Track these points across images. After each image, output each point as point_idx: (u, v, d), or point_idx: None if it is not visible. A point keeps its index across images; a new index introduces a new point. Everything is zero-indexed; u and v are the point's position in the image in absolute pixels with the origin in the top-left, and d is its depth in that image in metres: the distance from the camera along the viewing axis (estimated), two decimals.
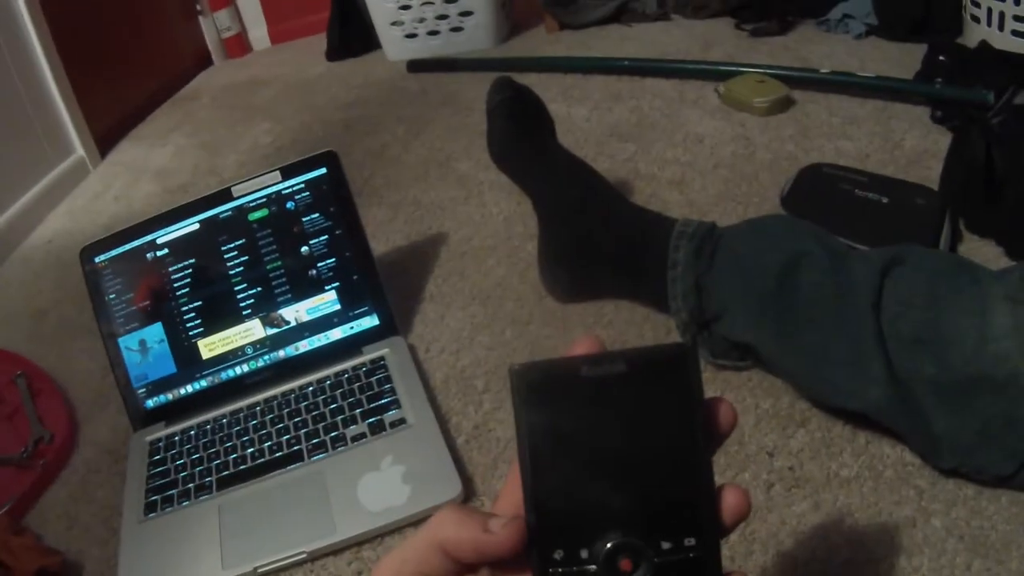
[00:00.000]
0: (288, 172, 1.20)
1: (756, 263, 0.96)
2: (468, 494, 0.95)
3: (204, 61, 3.12)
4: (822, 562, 0.78)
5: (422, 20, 2.38)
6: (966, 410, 0.79)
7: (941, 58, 1.61)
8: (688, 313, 1.02)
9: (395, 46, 2.46)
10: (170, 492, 1.05)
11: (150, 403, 1.18)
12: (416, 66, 2.31)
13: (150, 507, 1.04)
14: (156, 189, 2.05)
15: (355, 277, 1.18)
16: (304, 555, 0.91)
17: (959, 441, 0.80)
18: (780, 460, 0.89)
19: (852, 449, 0.89)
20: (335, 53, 2.64)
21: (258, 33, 3.16)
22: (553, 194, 1.19)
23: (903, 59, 1.71)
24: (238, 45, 3.14)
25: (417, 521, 0.92)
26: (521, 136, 1.24)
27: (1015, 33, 1.58)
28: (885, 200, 1.20)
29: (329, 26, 2.65)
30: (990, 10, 1.62)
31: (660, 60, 1.93)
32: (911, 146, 1.41)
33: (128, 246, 1.21)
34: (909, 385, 0.82)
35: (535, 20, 2.50)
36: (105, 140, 2.50)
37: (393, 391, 1.07)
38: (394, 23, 2.41)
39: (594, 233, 1.13)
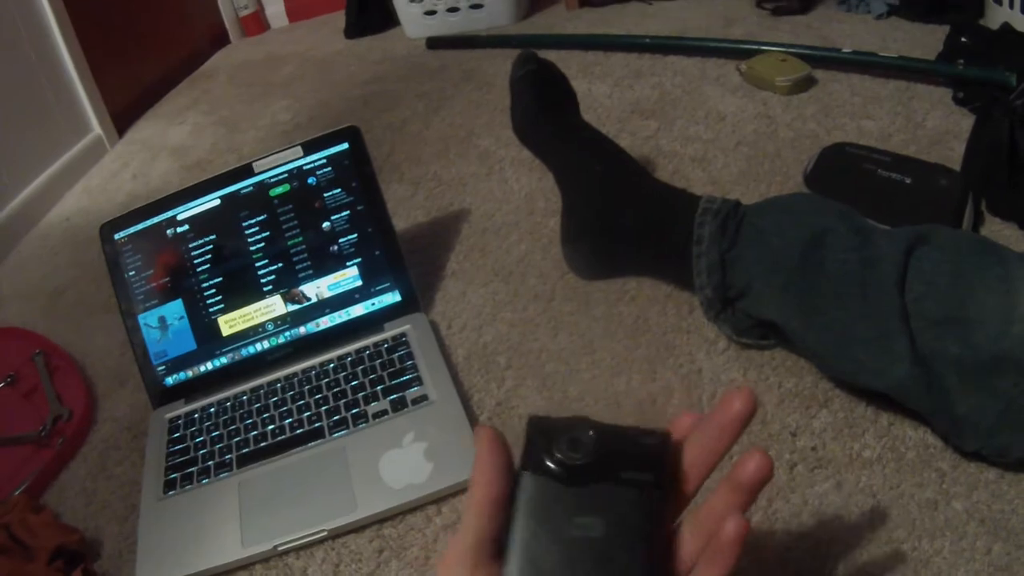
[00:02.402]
0: (310, 147, 1.19)
1: (780, 239, 0.94)
2: None
3: (221, 39, 3.11)
4: (844, 542, 0.77)
5: None
6: (989, 391, 0.78)
7: (963, 39, 1.58)
8: (712, 289, 1.01)
9: (414, 23, 2.45)
10: (190, 470, 1.04)
11: (170, 380, 1.17)
12: (435, 43, 2.30)
13: (169, 484, 1.03)
14: (174, 166, 2.04)
15: (376, 253, 1.17)
16: (325, 533, 0.91)
17: (981, 422, 0.79)
18: (803, 440, 0.88)
19: (875, 430, 0.88)
20: (353, 30, 2.63)
21: (275, 10, 3.15)
22: (576, 169, 1.18)
23: (924, 39, 1.69)
24: (255, 23, 3.14)
25: (439, 499, 0.92)
26: (545, 110, 1.23)
27: None
28: (908, 180, 1.18)
29: (347, 3, 2.64)
30: None
31: (682, 38, 1.91)
32: (933, 127, 1.39)
33: (148, 223, 1.20)
34: (932, 365, 0.81)
35: None
36: (122, 118, 2.50)
37: (415, 367, 1.06)
38: (413, 0, 2.40)
39: (617, 209, 1.12)
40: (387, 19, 2.58)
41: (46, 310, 1.59)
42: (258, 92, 2.39)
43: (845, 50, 1.66)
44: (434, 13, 2.39)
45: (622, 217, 1.11)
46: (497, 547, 0.47)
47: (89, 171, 2.27)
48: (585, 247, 1.18)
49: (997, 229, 1.14)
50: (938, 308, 0.81)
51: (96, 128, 2.38)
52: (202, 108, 2.42)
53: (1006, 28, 1.55)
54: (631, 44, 1.97)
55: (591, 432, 0.47)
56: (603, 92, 1.77)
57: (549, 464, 0.46)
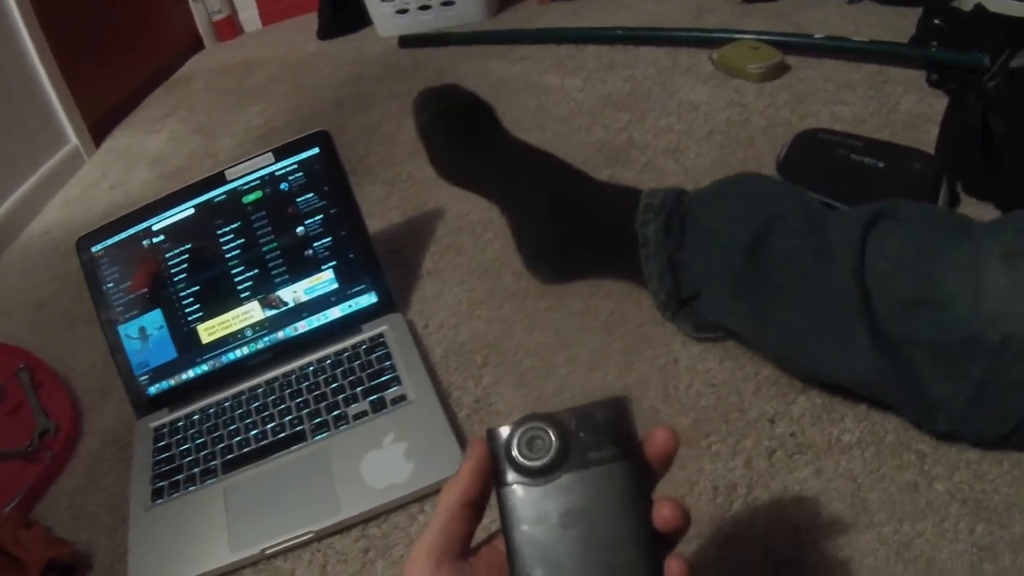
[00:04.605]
0: (281, 153, 1.20)
1: (726, 238, 0.92)
2: None
3: (195, 45, 3.10)
4: (825, 528, 0.78)
5: None
6: (961, 374, 0.76)
7: (936, 22, 1.58)
8: (665, 294, 1.01)
9: (386, 22, 2.44)
10: (176, 478, 1.05)
11: (152, 390, 1.18)
12: (408, 41, 2.29)
13: (156, 493, 1.04)
14: (152, 175, 2.04)
15: (352, 255, 1.18)
16: (311, 535, 0.92)
17: (954, 405, 0.78)
18: (781, 426, 0.89)
19: (853, 415, 0.88)
20: (326, 31, 2.62)
21: (249, 15, 3.14)
22: (514, 196, 1.16)
23: (897, 23, 1.69)
24: (229, 27, 3.12)
25: (420, 497, 0.93)
26: (461, 148, 1.20)
27: None
28: (881, 165, 1.19)
29: (320, 4, 2.63)
30: None
31: (653, 28, 1.91)
32: (907, 110, 1.40)
33: (124, 234, 1.20)
34: (901, 350, 0.79)
35: None
36: (99, 128, 2.49)
37: (393, 368, 1.07)
38: None
39: (566, 227, 1.10)
40: (360, 19, 2.57)
41: (29, 324, 1.59)
42: (233, 98, 2.39)
43: (817, 36, 1.66)
44: (406, 12, 2.39)
45: (572, 234, 1.10)
46: (463, 548, 0.48)
47: (68, 182, 2.27)
48: (543, 267, 1.18)
49: (974, 210, 1.13)
50: (905, 288, 0.79)
51: (73, 139, 2.37)
52: (178, 116, 2.42)
53: (979, 10, 1.55)
54: (603, 36, 1.97)
55: (545, 428, 0.47)
56: (575, 86, 1.77)
57: (515, 474, 0.47)
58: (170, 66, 2.94)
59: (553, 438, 0.47)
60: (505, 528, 0.47)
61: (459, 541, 0.48)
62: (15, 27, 2.20)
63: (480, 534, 0.52)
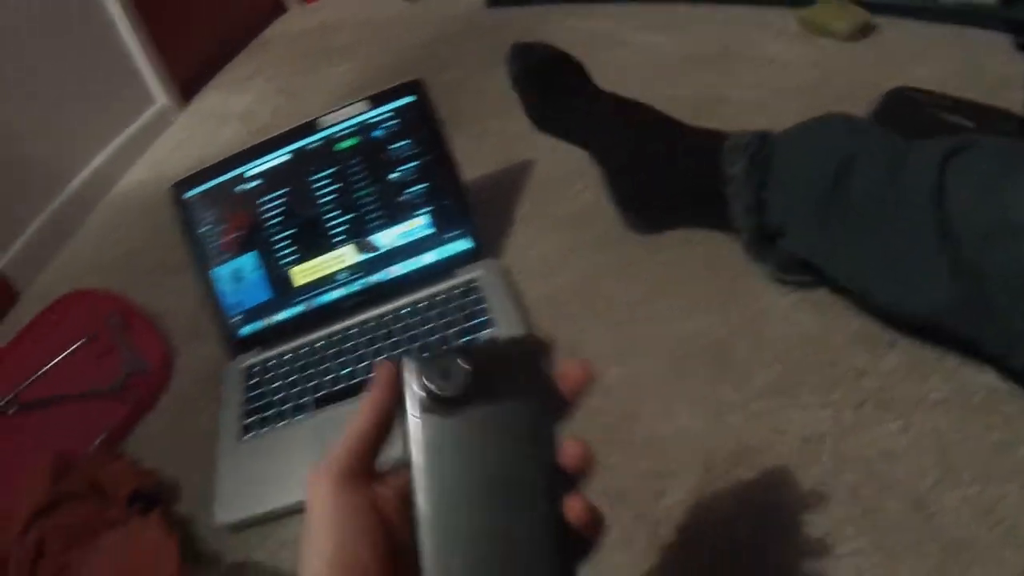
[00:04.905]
0: (376, 101, 1.21)
1: (810, 171, 0.92)
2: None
3: (278, 8, 3.13)
4: (910, 483, 0.76)
5: None
6: None
7: None
8: (750, 231, 1.01)
9: None
10: (267, 413, 1.08)
11: (245, 330, 1.21)
12: (496, 1, 2.29)
13: (247, 428, 1.07)
14: (239, 133, 2.08)
15: (446, 202, 1.19)
16: None
17: None
18: (870, 381, 0.87)
19: (942, 373, 0.86)
20: None
21: None
22: (607, 145, 1.16)
23: None
24: None
25: None
26: (556, 98, 1.20)
27: None
28: (971, 125, 1.16)
29: None
30: None
31: None
32: (993, 73, 1.35)
33: (218, 180, 1.23)
34: (980, 281, 0.76)
35: None
36: (186, 88, 2.54)
37: (487, 311, 1.08)
38: None
39: (656, 173, 1.11)
40: None
41: (121, 275, 1.64)
42: (318, 58, 2.41)
43: None
44: None
45: (663, 180, 1.10)
46: (367, 469, 0.48)
47: (157, 140, 2.32)
48: (636, 216, 1.19)
49: None
50: (984, 218, 0.76)
51: (161, 98, 2.42)
52: (264, 76, 2.45)
53: None
54: None
55: (459, 360, 0.47)
56: (661, 42, 1.76)
57: (425, 402, 0.47)
58: (254, 28, 2.98)
59: (466, 369, 0.47)
60: (410, 456, 0.46)
61: (364, 461, 0.48)
62: None
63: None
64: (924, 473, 0.77)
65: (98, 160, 2.14)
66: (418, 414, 0.47)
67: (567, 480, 0.46)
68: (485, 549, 0.44)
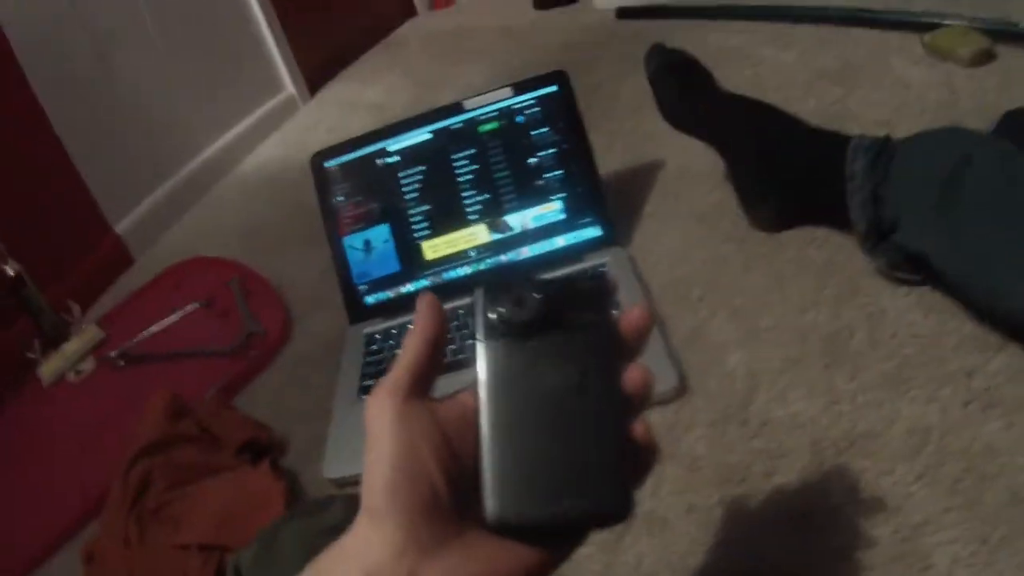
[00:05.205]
0: (520, 88, 1.25)
1: (929, 168, 0.95)
2: (683, 388, 0.97)
3: (409, 11, 3.21)
4: (1009, 478, 0.77)
5: None
6: None
7: None
8: (866, 223, 1.02)
9: None
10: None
11: (370, 299, 1.25)
12: (626, 13, 2.33)
13: (364, 389, 1.11)
14: (370, 121, 2.13)
15: (580, 189, 1.22)
16: None
17: None
18: (977, 381, 0.88)
19: None
20: (544, 2, 2.67)
21: None
22: (734, 142, 1.20)
23: None
24: None
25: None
26: (688, 94, 1.25)
27: None
28: None
29: None
30: None
31: (866, 10, 1.90)
32: None
33: (359, 152, 1.28)
34: None
35: None
36: (314, 79, 2.62)
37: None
38: None
39: (780, 170, 1.14)
40: None
41: (245, 245, 1.70)
42: (452, 58, 2.47)
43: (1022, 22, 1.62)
44: None
45: (784, 172, 1.14)
46: (427, 387, 0.49)
47: (283, 125, 2.40)
48: (761, 209, 1.21)
49: None
50: None
51: (289, 87, 2.51)
52: (396, 71, 2.52)
53: None
54: (816, 15, 1.96)
55: (534, 293, 0.49)
56: (790, 59, 1.77)
57: (500, 325, 0.48)
58: (383, 28, 3.06)
59: (538, 298, 0.48)
60: (476, 377, 0.47)
61: (424, 380, 0.49)
62: None
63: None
64: (1022, 470, 0.77)
65: (225, 138, 2.23)
66: (487, 338, 0.48)
67: (629, 404, 0.48)
68: (548, 464, 0.45)
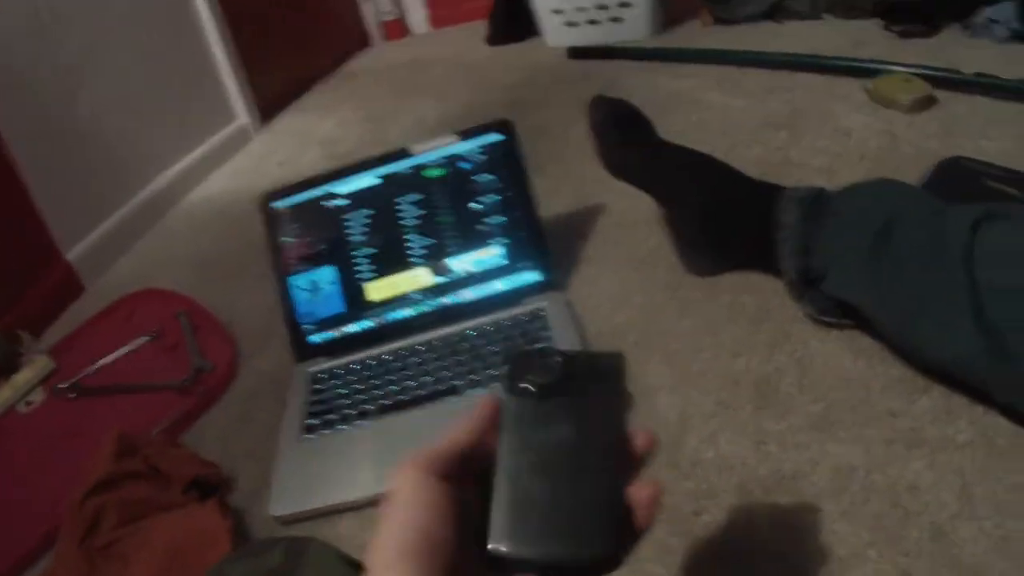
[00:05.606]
0: (466, 135, 1.29)
1: (858, 222, 0.99)
2: None
3: (363, 42, 3.23)
4: (931, 515, 0.81)
5: (583, 9, 2.46)
6: None
7: None
8: (796, 272, 1.07)
9: (556, 33, 2.55)
10: (330, 416, 1.13)
11: (315, 338, 1.27)
12: (577, 53, 2.38)
13: (309, 428, 1.12)
14: (321, 156, 2.16)
15: (521, 235, 1.25)
16: None
17: None
18: (902, 422, 0.92)
19: (969, 416, 0.91)
20: (497, 38, 2.72)
21: (417, 17, 3.28)
22: (671, 192, 1.24)
23: None
24: (397, 28, 3.26)
25: None
26: (628, 145, 1.27)
27: None
28: (1022, 196, 1.20)
29: (493, 11, 2.74)
30: None
31: (812, 55, 1.95)
32: None
33: (307, 194, 1.31)
34: (1001, 335, 0.83)
35: (690, 14, 2.55)
36: (267, 110, 2.63)
37: (550, 338, 1.13)
38: (556, 11, 2.50)
39: (715, 219, 1.18)
40: (528, 28, 2.67)
41: (193, 278, 1.71)
42: (404, 92, 2.50)
43: (967, 72, 1.67)
44: (576, 24, 2.49)
45: (719, 221, 1.18)
46: (452, 470, 0.52)
47: (234, 156, 2.41)
48: (696, 256, 1.26)
49: None
50: (1007, 276, 0.83)
51: (242, 116, 2.52)
52: (349, 104, 2.54)
53: None
54: (764, 60, 2.02)
55: (558, 358, 0.56)
56: (737, 105, 1.82)
57: (524, 386, 0.55)
58: (338, 60, 3.08)
59: (561, 366, 0.55)
60: (502, 428, 0.53)
61: (451, 465, 0.52)
62: (199, 14, 2.38)
63: None
64: (944, 506, 0.81)
65: (176, 168, 2.23)
66: (517, 394, 0.55)
67: (634, 466, 0.54)
68: (547, 508, 0.50)
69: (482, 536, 0.49)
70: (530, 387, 0.54)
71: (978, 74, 1.66)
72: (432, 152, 1.28)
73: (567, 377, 0.55)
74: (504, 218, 1.25)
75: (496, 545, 0.49)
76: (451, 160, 1.27)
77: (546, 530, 0.49)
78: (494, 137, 1.28)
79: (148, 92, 2.16)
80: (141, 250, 2.00)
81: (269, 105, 2.66)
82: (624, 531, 0.50)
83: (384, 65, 2.90)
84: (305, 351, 1.27)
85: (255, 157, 2.35)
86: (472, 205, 1.26)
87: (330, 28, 3.07)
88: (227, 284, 1.63)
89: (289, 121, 2.58)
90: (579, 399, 0.54)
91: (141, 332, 1.51)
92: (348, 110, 2.48)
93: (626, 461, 0.53)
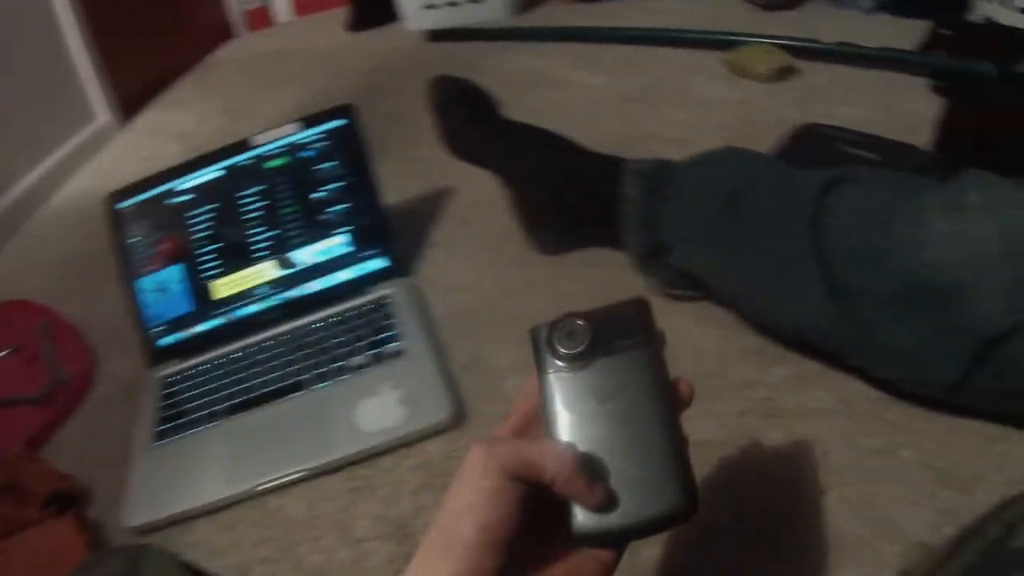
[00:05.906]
0: (308, 122, 1.26)
1: (704, 193, 1.00)
2: (459, 417, 1.00)
3: (227, 33, 3.16)
4: (790, 484, 0.82)
5: None
6: (908, 319, 0.80)
7: (945, 32, 1.63)
8: (641, 246, 1.08)
9: (416, 16, 2.52)
10: (181, 420, 1.10)
11: (165, 341, 1.24)
12: (436, 35, 2.36)
13: (161, 434, 1.09)
14: (180, 151, 2.10)
15: (366, 222, 1.24)
16: (303, 473, 0.97)
17: (903, 349, 0.82)
18: (758, 392, 0.94)
19: (825, 383, 0.93)
20: (357, 23, 2.68)
21: (281, 6, 3.21)
22: (513, 170, 1.23)
23: (910, 34, 1.73)
24: (261, 18, 3.19)
25: (410, 442, 0.98)
26: (469, 124, 1.27)
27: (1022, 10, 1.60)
28: (877, 159, 1.23)
29: None
30: None
31: (671, 30, 1.97)
32: (910, 114, 1.43)
33: (150, 193, 1.27)
34: (851, 297, 0.83)
35: None
36: (129, 106, 2.55)
37: (394, 325, 1.12)
38: None
39: (558, 195, 1.18)
40: (389, 12, 2.64)
41: (56, 282, 1.65)
42: (263, 83, 2.45)
43: (827, 41, 1.71)
44: (435, 7, 2.47)
45: (564, 199, 1.17)
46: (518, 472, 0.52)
47: (97, 155, 2.33)
48: (541, 233, 1.26)
49: None
50: (855, 239, 0.84)
51: (102, 115, 2.44)
52: (208, 97, 2.48)
53: (989, 22, 1.61)
54: (623, 37, 2.04)
55: (580, 321, 0.54)
56: (596, 83, 1.83)
57: (556, 361, 0.54)
58: (201, 52, 3.00)
59: (587, 329, 0.54)
60: (545, 410, 0.53)
61: (523, 431, 0.56)
62: (55, 9, 2.28)
63: None
64: (804, 475, 0.82)
65: (35, 172, 2.14)
66: (550, 372, 0.54)
67: (679, 408, 0.54)
68: (618, 477, 0.50)
69: (560, 522, 0.50)
70: (562, 361, 0.54)
71: (840, 43, 1.69)
72: (273, 142, 1.25)
73: (596, 340, 0.54)
74: (348, 205, 1.23)
75: (580, 528, 0.50)
76: (292, 148, 1.25)
77: (624, 497, 0.50)
78: (336, 123, 1.26)
79: (1, 93, 2.09)
80: (5, 258, 1.93)
81: (131, 101, 2.57)
82: (693, 476, 0.52)
83: (246, 56, 2.84)
84: (157, 355, 1.23)
85: (118, 154, 2.28)
86: (315, 194, 1.24)
87: (193, 20, 2.99)
88: (89, 288, 1.58)
89: (151, 117, 2.51)
90: (615, 358, 0.53)
91: (4, 345, 1.47)
92: (207, 103, 2.42)
93: (673, 403, 0.53)
